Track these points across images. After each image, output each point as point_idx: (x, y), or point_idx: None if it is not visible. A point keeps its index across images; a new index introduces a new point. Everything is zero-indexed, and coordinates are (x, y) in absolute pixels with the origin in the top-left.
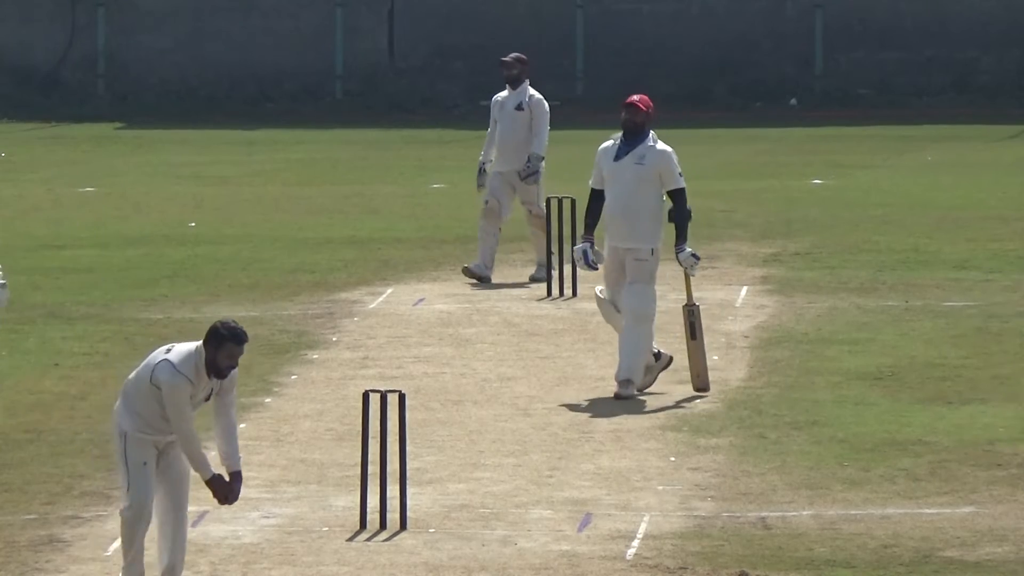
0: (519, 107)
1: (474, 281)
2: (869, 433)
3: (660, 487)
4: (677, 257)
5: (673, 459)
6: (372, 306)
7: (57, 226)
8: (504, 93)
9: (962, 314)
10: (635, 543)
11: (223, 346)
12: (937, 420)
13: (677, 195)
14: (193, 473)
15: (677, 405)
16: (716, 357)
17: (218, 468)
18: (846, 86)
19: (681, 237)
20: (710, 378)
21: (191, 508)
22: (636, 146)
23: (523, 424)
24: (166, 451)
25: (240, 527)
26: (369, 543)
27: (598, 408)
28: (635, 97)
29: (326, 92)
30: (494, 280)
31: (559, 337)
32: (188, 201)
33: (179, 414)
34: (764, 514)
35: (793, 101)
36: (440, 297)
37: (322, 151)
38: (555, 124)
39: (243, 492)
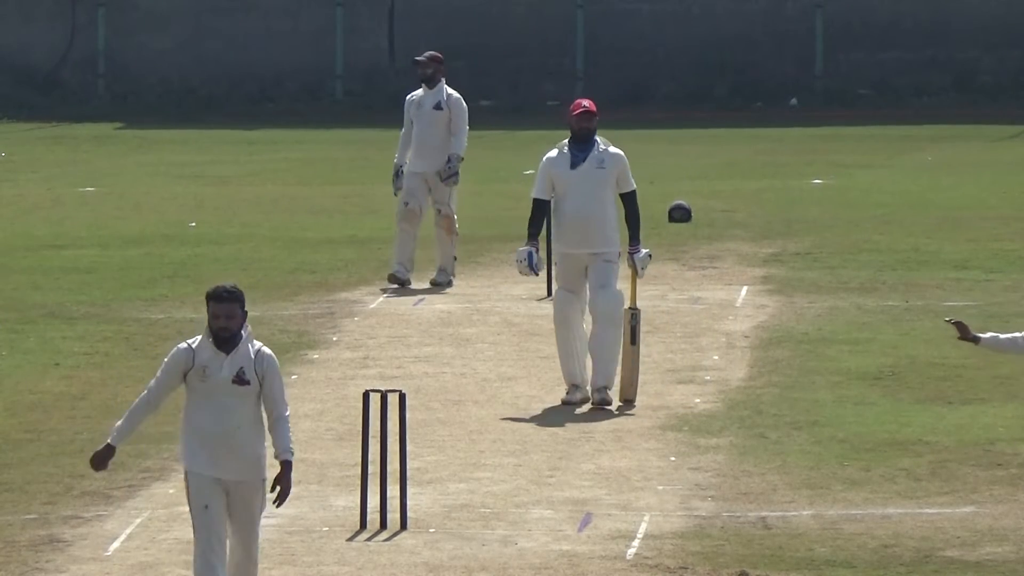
0: (438, 106)
1: (395, 286)
2: (869, 433)
3: (660, 487)
4: (632, 258)
5: (673, 459)
6: (372, 306)
7: (57, 226)
8: (419, 93)
9: (962, 314)
10: (635, 543)
11: (208, 306)
12: (937, 420)
13: (632, 197)
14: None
15: (677, 405)
16: (716, 357)
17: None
18: (846, 86)
19: (636, 238)
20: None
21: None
22: (589, 151)
23: (523, 424)
24: (235, 492)
25: None
26: (369, 543)
27: (598, 408)
28: (585, 103)
29: (326, 92)
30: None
31: None
32: (188, 201)
33: (157, 376)
34: (764, 514)
35: (793, 101)
36: (440, 297)
37: (322, 151)
38: (555, 124)
39: None
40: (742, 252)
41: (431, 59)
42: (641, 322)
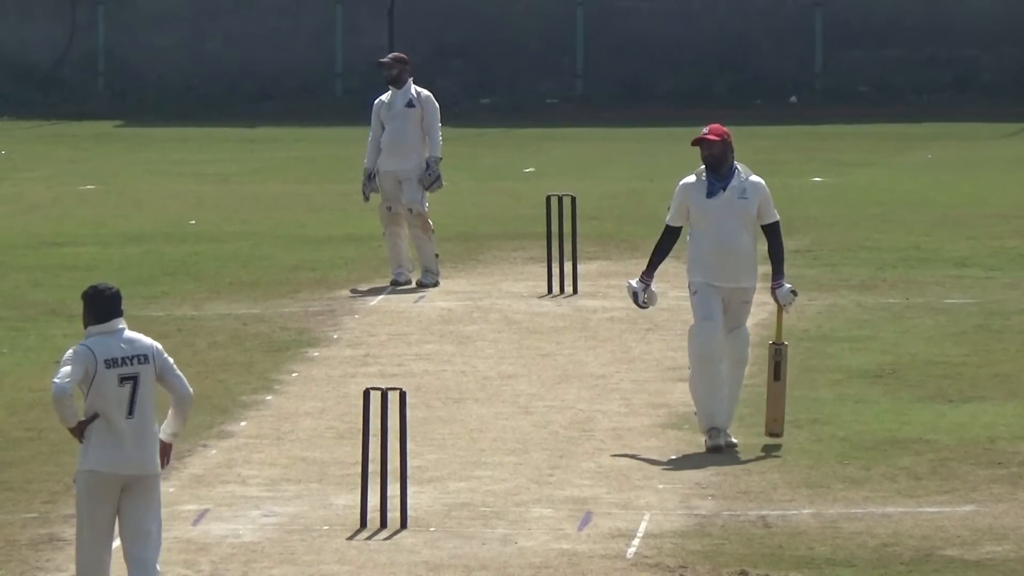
0: (409, 104)
1: (407, 286)
2: (869, 431)
3: (660, 485)
4: (775, 293)
5: (674, 457)
6: (373, 303)
7: (57, 224)
8: (386, 95)
9: (963, 312)
10: (635, 542)
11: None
12: (938, 418)
13: (775, 228)
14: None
15: (678, 404)
16: None
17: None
18: (846, 84)
19: (780, 272)
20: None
21: (191, 506)
22: (729, 179)
23: (524, 422)
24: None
25: (241, 525)
26: (369, 542)
27: (599, 406)
28: (705, 130)
29: (326, 90)
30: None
31: (560, 335)
32: (188, 199)
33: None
34: (764, 512)
35: (793, 99)
36: (441, 294)
37: (322, 149)
38: (555, 122)
39: (243, 491)
40: None
41: (395, 60)
42: (786, 357)
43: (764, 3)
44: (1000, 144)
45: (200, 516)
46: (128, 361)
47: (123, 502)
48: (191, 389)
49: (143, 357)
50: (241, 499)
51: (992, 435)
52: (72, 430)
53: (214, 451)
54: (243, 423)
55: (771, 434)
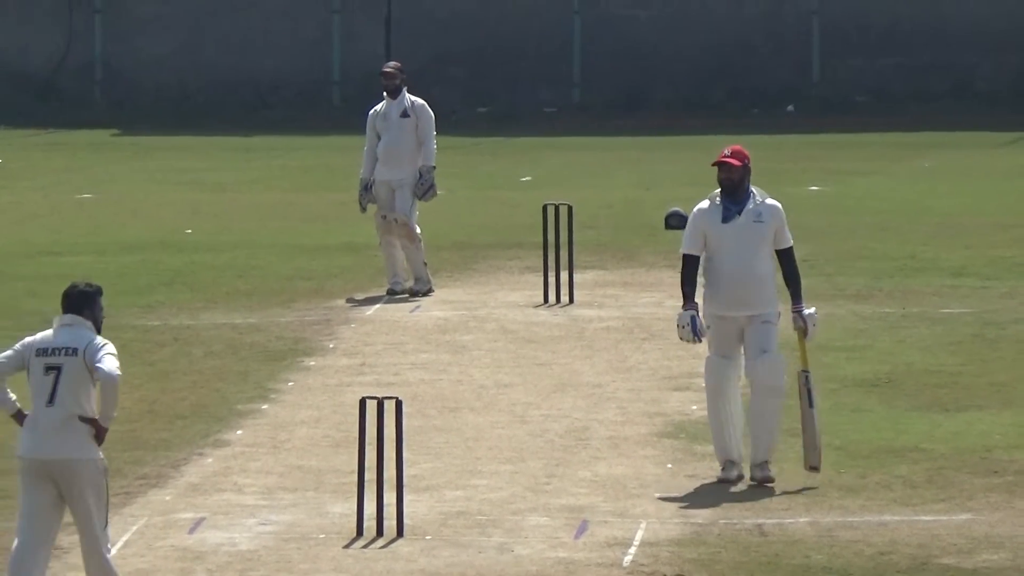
0: (404, 114)
1: (403, 295)
2: (866, 440)
3: (657, 494)
4: (800, 317)
5: (670, 466)
6: (369, 313)
7: (54, 233)
8: (381, 105)
9: (959, 321)
10: (632, 550)
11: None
12: (934, 427)
13: (790, 253)
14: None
15: (674, 412)
16: None
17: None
18: (843, 93)
19: (799, 296)
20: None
21: (187, 515)
22: (745, 203)
23: (520, 431)
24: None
25: (237, 534)
26: (366, 550)
27: (595, 415)
28: (726, 152)
29: (323, 98)
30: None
31: (556, 344)
32: (185, 208)
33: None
34: (761, 521)
35: (790, 108)
36: (437, 304)
37: (319, 157)
38: (552, 131)
39: (240, 499)
40: None
41: (398, 69)
42: (813, 384)
43: (761, 12)
44: (997, 153)
45: (196, 524)
46: (56, 352)
47: (63, 493)
48: (115, 372)
49: (72, 350)
50: (237, 507)
51: (988, 444)
52: (12, 416)
53: (210, 460)
54: (239, 432)
55: (812, 467)
